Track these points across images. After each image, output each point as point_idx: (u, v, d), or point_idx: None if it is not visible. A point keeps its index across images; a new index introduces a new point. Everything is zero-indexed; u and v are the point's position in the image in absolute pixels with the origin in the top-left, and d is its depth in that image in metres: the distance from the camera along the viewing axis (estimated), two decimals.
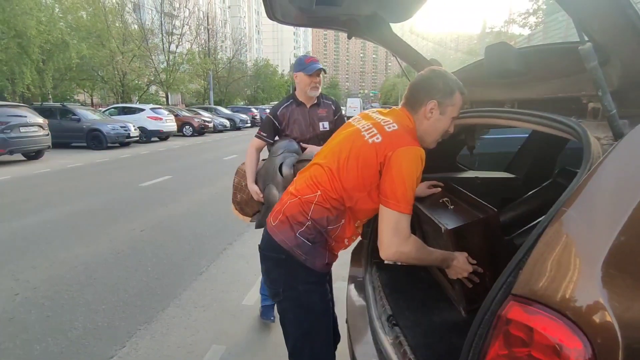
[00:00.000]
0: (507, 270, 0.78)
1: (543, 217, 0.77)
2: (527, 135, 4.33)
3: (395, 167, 1.13)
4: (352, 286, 1.78)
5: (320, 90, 2.32)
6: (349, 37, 1.67)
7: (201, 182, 7.39)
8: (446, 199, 1.49)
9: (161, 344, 2.35)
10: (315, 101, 2.32)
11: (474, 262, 1.29)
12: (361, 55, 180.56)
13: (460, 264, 1.27)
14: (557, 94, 1.02)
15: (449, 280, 1.45)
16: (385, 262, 1.87)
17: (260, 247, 1.37)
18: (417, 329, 1.30)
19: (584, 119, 0.93)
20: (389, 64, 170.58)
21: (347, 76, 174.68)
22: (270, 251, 1.30)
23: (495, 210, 1.29)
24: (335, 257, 1.34)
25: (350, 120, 1.41)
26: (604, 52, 0.70)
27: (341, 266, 3.41)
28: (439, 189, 1.58)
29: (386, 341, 1.28)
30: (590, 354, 0.60)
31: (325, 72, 2.31)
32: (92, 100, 26.93)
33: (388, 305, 1.45)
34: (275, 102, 2.89)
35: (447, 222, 1.30)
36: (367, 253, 1.81)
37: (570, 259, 0.66)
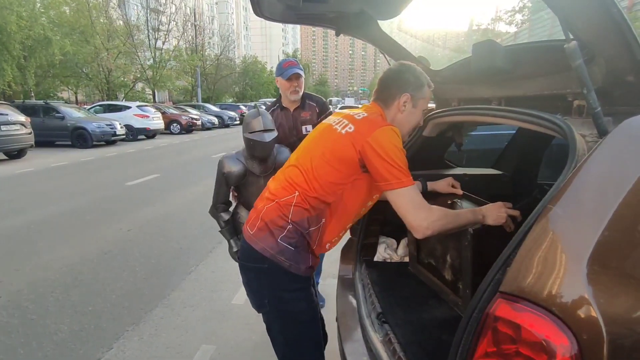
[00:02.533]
0: (495, 268, 0.78)
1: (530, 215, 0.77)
2: (511, 132, 4.39)
3: (379, 150, 1.12)
4: (341, 284, 1.78)
5: (300, 93, 2.31)
6: (337, 35, 1.66)
7: (189, 180, 7.31)
8: (455, 199, 1.50)
9: (149, 345, 2.32)
10: (299, 104, 2.32)
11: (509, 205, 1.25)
12: (350, 52, 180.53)
13: (495, 209, 1.22)
14: (543, 91, 1.03)
15: (452, 285, 1.46)
16: (375, 259, 1.88)
17: (239, 258, 1.33)
18: (406, 327, 1.30)
19: (569, 116, 0.94)
20: (378, 61, 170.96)
21: (336, 73, 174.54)
22: (251, 262, 1.24)
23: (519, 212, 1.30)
24: (317, 260, 1.30)
25: (323, 122, 1.39)
26: (588, 50, 0.71)
27: (332, 263, 3.43)
28: (460, 192, 1.55)
29: (376, 339, 1.28)
30: (577, 350, 0.61)
31: (301, 76, 2.24)
32: (76, 97, 26.39)
33: (378, 303, 1.46)
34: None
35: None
36: (357, 251, 1.81)
37: (557, 256, 0.66)
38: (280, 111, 2.36)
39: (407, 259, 1.87)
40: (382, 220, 1.83)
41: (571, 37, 0.82)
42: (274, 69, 2.59)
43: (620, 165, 0.69)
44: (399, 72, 1.27)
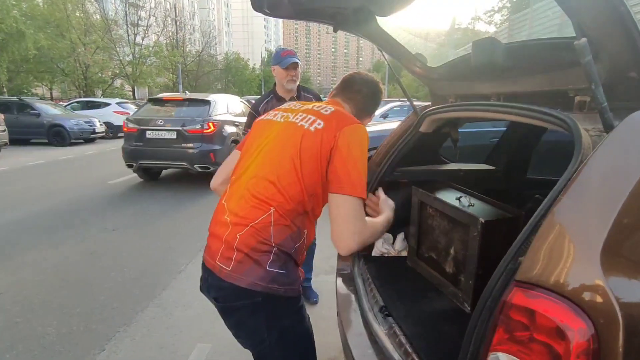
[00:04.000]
0: (508, 257, 0.81)
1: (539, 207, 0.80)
2: (491, 129, 4.51)
3: (344, 149, 1.04)
4: (340, 279, 1.79)
5: (297, 83, 2.35)
6: (335, 31, 1.66)
7: (175, 178, 7.18)
8: (461, 196, 1.53)
9: (142, 345, 2.28)
10: (295, 94, 2.33)
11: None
12: (333, 49, 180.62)
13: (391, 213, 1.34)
14: (544, 87, 1.06)
15: (452, 278, 1.49)
16: (372, 254, 1.90)
17: (213, 300, 1.12)
18: (409, 319, 1.32)
19: (569, 111, 0.98)
20: (361, 59, 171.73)
21: (318, 71, 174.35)
22: (237, 300, 1.05)
23: (522, 212, 1.34)
24: (303, 271, 1.22)
25: (266, 118, 1.26)
26: (594, 47, 0.74)
27: (323, 260, 3.45)
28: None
29: (380, 332, 1.30)
30: (593, 332, 0.63)
31: (298, 65, 2.31)
32: (51, 94, 25.48)
33: (379, 297, 1.47)
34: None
35: (481, 216, 1.31)
36: None
37: (571, 245, 0.69)
38: (276, 101, 2.35)
39: (403, 253, 1.90)
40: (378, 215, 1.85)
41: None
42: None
43: (627, 158, 0.72)
44: (380, 93, 1.35)
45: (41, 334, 2.38)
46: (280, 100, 2.34)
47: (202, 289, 1.19)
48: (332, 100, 1.32)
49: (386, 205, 1.42)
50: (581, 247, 0.68)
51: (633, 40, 0.75)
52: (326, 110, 1.14)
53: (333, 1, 1.36)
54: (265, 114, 1.30)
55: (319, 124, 1.09)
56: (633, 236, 0.68)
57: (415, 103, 1.83)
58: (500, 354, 0.75)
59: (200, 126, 5.95)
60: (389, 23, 1.60)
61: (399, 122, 6.40)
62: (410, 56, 1.61)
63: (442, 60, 1.66)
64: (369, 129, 4.74)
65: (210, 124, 5.98)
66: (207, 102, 6.29)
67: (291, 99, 2.34)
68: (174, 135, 6.01)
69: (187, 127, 5.97)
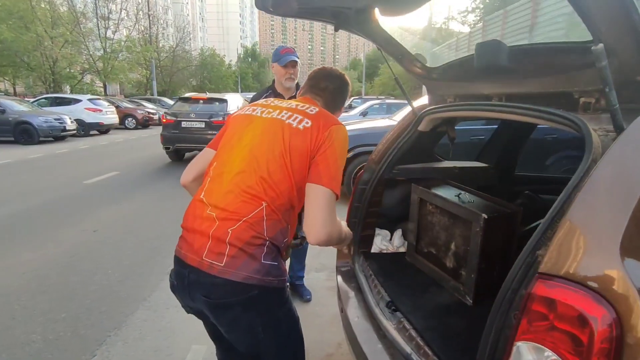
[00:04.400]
0: (526, 251, 0.84)
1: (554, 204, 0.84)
2: (471, 127, 4.65)
3: (329, 146, 1.09)
4: (340, 277, 1.81)
5: (295, 81, 2.36)
6: (336, 30, 1.67)
7: (153, 177, 7.00)
8: (460, 193, 1.57)
9: (135, 349, 2.23)
10: (294, 93, 2.33)
11: None
12: (309, 47, 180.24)
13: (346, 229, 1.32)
14: (548, 89, 1.12)
15: (453, 272, 1.54)
16: (372, 251, 1.93)
17: (203, 298, 1.07)
18: (417, 313, 1.36)
19: (574, 112, 1.03)
20: (337, 56, 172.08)
21: None
22: (233, 296, 1.04)
23: (520, 208, 1.39)
24: None
25: (245, 113, 1.26)
26: (606, 51, 0.78)
27: (313, 257, 3.47)
28: None
29: (389, 326, 1.33)
30: (615, 319, 0.68)
31: (297, 63, 2.32)
32: (14, 89, 24.22)
33: (385, 292, 1.51)
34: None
35: (483, 212, 1.36)
36: (355, 243, 1.85)
37: (590, 237, 0.74)
38: (274, 98, 2.34)
39: (402, 250, 1.94)
40: (378, 213, 1.89)
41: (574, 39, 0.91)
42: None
43: (639, 157, 0.78)
44: (347, 85, 1.40)
45: (26, 341, 2.28)
46: (278, 96, 2.34)
47: (175, 289, 1.16)
48: (302, 98, 1.34)
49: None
50: (600, 239, 0.73)
51: None
52: (311, 110, 1.18)
53: (341, 1, 1.37)
54: (241, 109, 1.31)
55: (306, 122, 1.12)
56: None
57: (392, 101, 1.88)
58: (522, 344, 0.79)
59: (222, 118, 7.74)
60: (388, 23, 1.62)
61: (378, 120, 6.47)
62: (410, 56, 1.65)
63: (439, 61, 1.70)
64: (349, 127, 4.83)
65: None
66: (225, 100, 8.27)
67: (290, 98, 2.34)
68: (203, 125, 7.89)
69: (213, 119, 7.86)
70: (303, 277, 2.82)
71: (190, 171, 1.29)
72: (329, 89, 1.34)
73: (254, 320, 1.09)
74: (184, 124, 7.93)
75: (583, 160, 0.86)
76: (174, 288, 1.18)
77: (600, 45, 0.74)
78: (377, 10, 1.47)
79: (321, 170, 1.07)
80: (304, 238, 1.65)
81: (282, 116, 1.16)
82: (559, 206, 0.83)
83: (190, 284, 1.08)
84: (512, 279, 0.84)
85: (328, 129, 1.11)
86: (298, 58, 2.27)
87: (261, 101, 1.31)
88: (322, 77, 1.36)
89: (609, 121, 0.87)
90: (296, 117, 1.14)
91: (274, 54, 2.31)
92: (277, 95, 2.33)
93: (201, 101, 8.34)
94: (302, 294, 2.75)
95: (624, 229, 0.71)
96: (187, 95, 9.44)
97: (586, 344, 0.70)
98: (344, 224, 1.28)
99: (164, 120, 8.26)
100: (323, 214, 1.06)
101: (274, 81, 2.40)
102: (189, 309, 1.20)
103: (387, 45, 1.67)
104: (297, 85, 2.37)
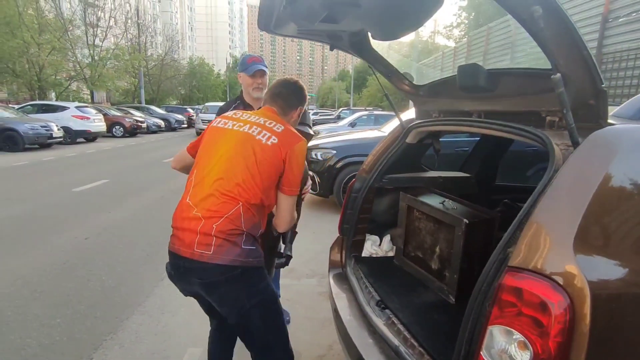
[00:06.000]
0: (498, 249, 0.98)
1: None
2: (455, 139, 4.85)
3: (294, 162, 1.36)
4: (333, 280, 1.92)
5: (264, 91, 2.19)
6: (331, 49, 1.81)
7: (143, 185, 7.01)
8: (444, 200, 1.71)
9: (132, 352, 2.28)
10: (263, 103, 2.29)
11: None
12: (298, 57, 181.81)
13: None
14: (520, 108, 1.27)
15: (437, 273, 1.67)
16: (362, 255, 2.05)
17: (197, 280, 1.31)
18: (405, 310, 1.48)
19: (541, 129, 1.18)
20: (325, 67, 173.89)
21: None
22: (220, 275, 1.28)
23: (498, 214, 1.54)
24: None
25: (217, 125, 1.47)
26: (564, 80, 0.93)
27: (304, 264, 3.56)
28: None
29: (379, 323, 1.44)
30: (569, 304, 0.81)
31: (265, 73, 2.18)
32: None
33: (375, 292, 1.62)
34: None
35: (465, 218, 1.50)
36: (347, 247, 1.96)
37: (550, 236, 0.87)
38: (243, 108, 2.19)
39: (390, 254, 2.07)
40: (368, 219, 2.01)
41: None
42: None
43: (591, 167, 0.92)
44: (300, 89, 1.59)
45: (20, 346, 2.31)
46: (248, 107, 2.21)
47: (173, 277, 1.42)
48: (265, 108, 1.54)
49: None
50: (558, 237, 0.87)
51: (592, 76, 0.96)
52: (278, 128, 1.40)
53: (340, 26, 1.51)
54: (216, 122, 1.50)
55: (274, 139, 1.36)
56: (597, 228, 0.88)
57: (380, 113, 2.02)
58: (495, 327, 0.92)
59: None
60: (380, 44, 1.77)
61: (367, 132, 6.63)
62: (399, 75, 1.80)
63: (425, 79, 1.86)
64: (341, 138, 5.01)
65: None
66: None
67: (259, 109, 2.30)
68: None
69: None
70: (279, 296, 2.71)
71: (178, 161, 1.69)
72: (283, 93, 1.56)
73: (240, 293, 1.33)
74: None
75: (547, 171, 1.01)
76: (171, 277, 1.43)
77: (558, 75, 0.89)
78: (369, 34, 1.62)
79: (286, 183, 1.38)
80: (289, 257, 1.79)
81: (253, 131, 1.39)
82: (526, 210, 0.97)
83: (186, 271, 1.34)
84: (487, 274, 0.98)
85: (292, 147, 1.37)
86: (266, 67, 2.15)
87: (230, 114, 1.53)
88: (277, 85, 1.59)
89: (569, 137, 1.02)
90: (265, 134, 1.37)
91: (240, 62, 2.19)
92: (246, 106, 2.21)
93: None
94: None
95: (577, 228, 0.85)
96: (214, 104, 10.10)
97: (546, 325, 0.83)
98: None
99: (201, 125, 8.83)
100: (289, 215, 1.45)
101: (241, 91, 2.26)
102: (186, 292, 1.46)
103: (378, 64, 1.81)
104: None
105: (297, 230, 1.85)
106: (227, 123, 1.45)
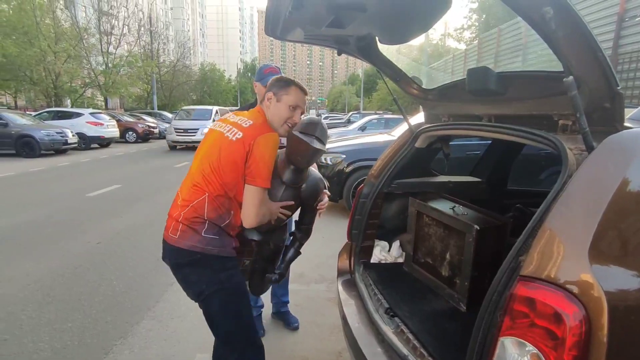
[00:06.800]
0: (510, 258, 0.95)
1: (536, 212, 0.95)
2: (467, 142, 4.79)
3: (256, 152, 1.39)
4: (341, 286, 1.90)
5: None
6: (339, 54, 1.80)
7: (155, 190, 7.08)
8: (454, 205, 1.68)
9: (142, 357, 2.29)
10: None
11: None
12: (308, 62, 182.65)
13: (273, 207, 1.55)
14: (531, 111, 1.24)
15: (448, 280, 1.63)
16: (371, 261, 2.02)
17: (167, 260, 1.50)
18: (414, 318, 1.45)
19: (553, 132, 1.15)
20: (335, 71, 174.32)
21: None
22: (182, 258, 1.42)
23: (510, 219, 1.50)
24: (235, 242, 1.52)
25: (212, 127, 1.61)
26: (578, 83, 0.90)
27: (312, 269, 3.54)
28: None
29: (388, 330, 1.42)
30: (585, 315, 0.78)
31: None
32: (15, 103, 24.41)
33: (384, 300, 1.59)
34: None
35: (476, 224, 1.47)
36: (355, 254, 1.94)
37: (564, 244, 0.84)
38: None
39: (400, 260, 2.03)
40: (378, 225, 1.99)
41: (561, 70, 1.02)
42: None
43: (606, 172, 0.89)
44: (271, 80, 1.61)
45: (33, 349, 2.34)
46: None
47: (163, 258, 1.54)
48: (257, 107, 1.62)
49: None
50: (573, 246, 0.83)
51: (607, 78, 0.93)
52: (246, 124, 1.47)
53: (347, 30, 1.50)
54: (214, 124, 1.61)
55: (239, 134, 1.44)
56: (613, 236, 0.84)
57: (391, 116, 1.99)
58: (507, 339, 0.89)
59: None
60: (387, 48, 1.76)
61: (377, 135, 6.58)
62: (407, 79, 1.77)
63: (434, 83, 1.83)
64: (350, 142, 4.97)
65: None
66: None
67: None
68: None
69: None
70: (288, 302, 2.69)
71: None
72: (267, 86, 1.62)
73: (200, 278, 1.43)
74: None
75: (560, 176, 0.98)
76: (162, 258, 1.55)
77: (571, 77, 0.86)
78: (377, 38, 1.60)
79: (253, 172, 1.40)
80: (282, 275, 1.78)
81: (225, 130, 1.48)
82: (539, 216, 0.94)
83: (164, 253, 1.52)
84: (498, 283, 0.95)
85: (254, 139, 1.40)
86: None
87: (226, 116, 1.62)
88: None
89: (583, 141, 0.99)
90: (233, 131, 1.46)
91: (257, 72, 2.21)
92: None
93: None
94: (289, 321, 2.62)
95: (592, 236, 0.81)
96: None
97: (560, 338, 0.79)
98: (274, 204, 1.56)
99: None
100: (254, 207, 1.43)
101: (256, 99, 2.25)
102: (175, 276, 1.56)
103: (386, 68, 1.80)
104: None
105: (301, 251, 1.86)
106: (216, 125, 1.58)
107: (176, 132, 13.68)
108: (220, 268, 1.44)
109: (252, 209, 1.43)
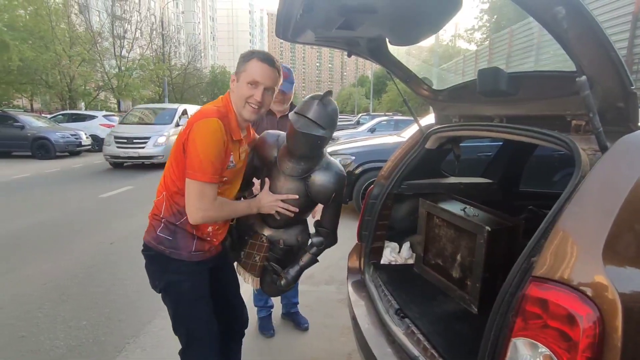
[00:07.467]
0: (522, 258, 0.95)
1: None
2: (479, 144, 4.75)
3: (190, 142, 1.27)
4: (351, 287, 1.90)
5: (286, 105, 2.30)
6: (349, 56, 1.81)
7: None
8: (465, 207, 1.67)
9: (153, 356, 2.32)
10: (287, 112, 2.29)
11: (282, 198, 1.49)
12: (317, 64, 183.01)
13: (267, 199, 1.48)
14: (543, 112, 1.23)
15: (458, 282, 1.62)
16: (381, 262, 2.02)
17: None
18: (424, 319, 1.45)
19: (567, 133, 1.14)
20: (345, 73, 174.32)
21: (303, 84, 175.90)
22: (145, 250, 1.47)
23: (522, 221, 1.49)
24: (206, 244, 1.44)
25: None
26: (590, 82, 0.90)
27: (322, 270, 3.54)
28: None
29: (398, 332, 1.41)
30: (598, 317, 0.77)
31: (286, 93, 2.24)
32: (31, 105, 24.98)
33: (394, 301, 1.59)
34: None
35: (487, 225, 1.47)
36: (366, 255, 1.94)
37: (578, 244, 0.84)
38: (266, 115, 2.21)
39: (410, 261, 2.03)
40: (387, 226, 1.98)
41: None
42: None
43: (620, 173, 0.88)
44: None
45: (50, 347, 2.39)
46: (270, 114, 2.30)
47: None
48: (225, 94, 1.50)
49: (263, 195, 1.52)
50: (586, 246, 0.83)
51: (621, 78, 0.92)
52: (194, 112, 1.40)
53: (358, 33, 1.51)
54: None
55: (184, 125, 1.40)
56: (627, 237, 0.83)
57: (400, 118, 1.99)
58: (519, 340, 0.88)
59: None
60: (397, 49, 1.76)
61: (386, 137, 6.55)
62: (417, 80, 1.77)
63: (444, 84, 1.83)
64: (360, 143, 4.94)
65: None
66: None
67: (282, 117, 2.32)
68: None
69: None
70: (297, 303, 2.69)
71: None
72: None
73: (153, 273, 1.47)
74: None
75: (573, 176, 0.97)
76: None
77: (583, 77, 0.86)
78: (387, 39, 1.61)
79: (188, 164, 1.29)
80: (288, 281, 1.65)
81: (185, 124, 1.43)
82: (552, 217, 0.93)
83: None
84: (510, 283, 0.94)
85: (190, 126, 1.29)
86: (292, 82, 2.20)
87: None
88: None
89: (596, 142, 0.98)
90: (185, 124, 1.39)
91: None
92: (269, 112, 2.26)
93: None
94: (299, 322, 2.63)
95: (606, 237, 0.81)
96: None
97: (574, 339, 0.79)
98: (269, 197, 1.48)
99: None
100: (194, 201, 1.30)
101: None
102: None
103: (396, 69, 1.80)
104: (292, 105, 2.34)
105: (318, 259, 1.70)
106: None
107: (117, 142, 9.44)
108: (168, 269, 1.41)
109: (194, 204, 1.29)
